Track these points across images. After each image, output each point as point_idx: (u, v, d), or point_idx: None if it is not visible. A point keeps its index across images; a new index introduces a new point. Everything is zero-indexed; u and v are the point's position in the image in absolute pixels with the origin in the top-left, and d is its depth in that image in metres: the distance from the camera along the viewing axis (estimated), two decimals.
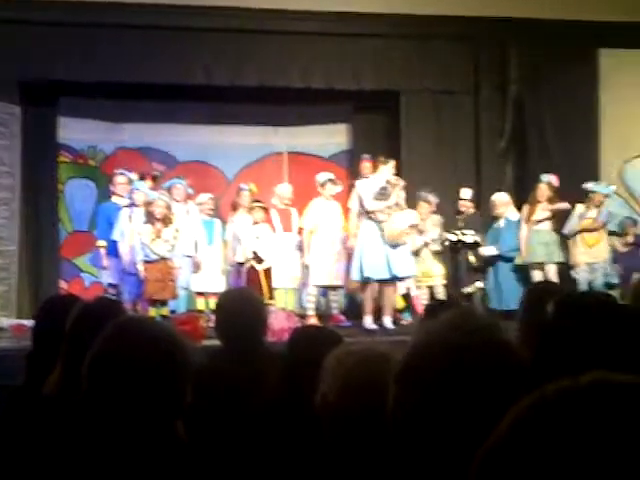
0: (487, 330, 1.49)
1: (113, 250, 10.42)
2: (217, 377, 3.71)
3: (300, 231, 10.60)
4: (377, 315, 9.92)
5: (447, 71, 12.05)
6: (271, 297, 10.21)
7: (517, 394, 0.91)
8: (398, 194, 9.91)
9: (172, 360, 2.14)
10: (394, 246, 9.68)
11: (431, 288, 10.97)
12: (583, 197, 10.78)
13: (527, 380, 1.37)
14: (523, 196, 11.17)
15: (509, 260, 10.90)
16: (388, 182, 9.82)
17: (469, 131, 12.25)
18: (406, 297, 10.88)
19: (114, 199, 10.86)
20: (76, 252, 12.44)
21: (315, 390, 2.34)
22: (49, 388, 3.01)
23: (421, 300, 10.68)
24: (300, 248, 10.67)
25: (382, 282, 9.78)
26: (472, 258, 11.06)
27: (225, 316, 4.04)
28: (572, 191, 10.73)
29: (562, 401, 0.84)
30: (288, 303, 10.70)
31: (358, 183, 10.04)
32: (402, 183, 10.07)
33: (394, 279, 9.87)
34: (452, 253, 11.19)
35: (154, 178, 11.42)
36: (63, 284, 12.18)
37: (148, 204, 10.08)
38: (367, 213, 9.75)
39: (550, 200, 10.64)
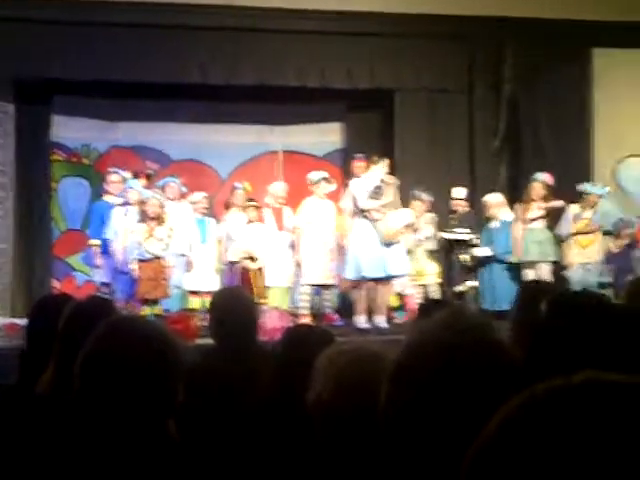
0: (479, 329, 1.49)
1: (106, 249, 10.40)
2: (210, 376, 3.71)
3: (294, 230, 10.60)
4: (370, 314, 9.92)
5: (441, 70, 12.07)
6: (264, 296, 10.20)
7: (509, 393, 0.91)
8: (392, 193, 9.92)
9: (164, 359, 2.13)
10: (388, 245, 9.69)
11: (425, 287, 10.98)
12: (577, 197, 10.79)
13: (519, 379, 1.37)
14: (517, 195, 11.18)
15: (503, 261, 10.91)
16: (382, 181, 9.82)
17: (463, 130, 12.27)
18: (400, 296, 10.89)
19: (107, 198, 10.84)
20: (69, 251, 12.42)
21: (307, 389, 2.34)
22: (42, 387, 3.00)
23: (415, 299, 10.69)
24: (293, 247, 10.67)
25: (376, 281, 9.78)
26: (466, 257, 11.07)
27: (218, 315, 4.04)
28: (566, 190, 10.73)
29: (552, 400, 0.84)
30: (281, 302, 10.69)
31: (352, 182, 10.04)
32: (397, 182, 10.08)
33: (388, 278, 9.88)
34: (446, 251, 11.21)
35: (148, 177, 11.41)
36: (56, 283, 12.16)
37: (142, 203, 10.07)
38: (361, 212, 9.75)
39: (544, 199, 10.65)
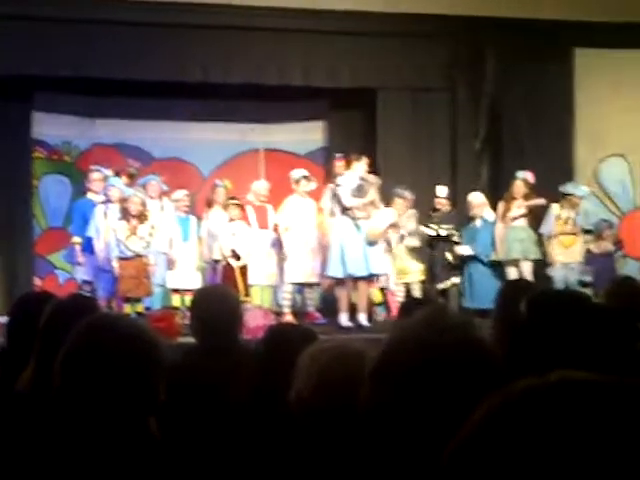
0: (460, 328, 1.50)
1: (88, 247, 10.37)
2: (191, 374, 3.71)
3: (276, 228, 10.59)
4: (352, 312, 9.93)
5: (424, 69, 12.09)
6: (247, 294, 10.20)
7: (488, 391, 0.92)
8: (374, 192, 9.94)
9: (145, 357, 2.13)
10: (371, 244, 9.72)
11: (407, 285, 11.00)
12: (558, 197, 10.84)
13: (499, 377, 1.38)
14: (498, 194, 11.21)
15: (485, 260, 10.94)
16: (365, 180, 9.85)
17: (445, 129, 12.29)
18: (383, 292, 10.93)
19: (89, 195, 10.81)
20: (50, 249, 12.37)
21: (289, 387, 2.35)
22: (22, 385, 2.99)
23: (396, 297, 10.72)
24: (276, 245, 10.67)
25: (358, 279, 9.80)
26: (448, 256, 11.10)
27: (200, 313, 4.03)
28: (547, 190, 10.78)
29: (527, 398, 0.85)
30: (264, 300, 10.69)
31: (337, 181, 10.03)
32: (378, 182, 10.11)
33: (370, 276, 9.90)
34: (428, 247, 11.23)
35: (130, 175, 11.38)
36: (37, 281, 12.10)
37: (123, 200, 10.05)
38: (344, 210, 9.76)
39: (526, 197, 10.70)
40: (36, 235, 12.43)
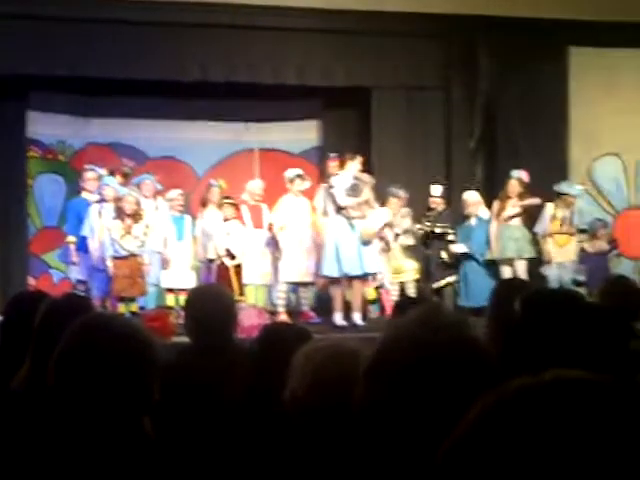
0: (455, 326, 1.50)
1: (82, 246, 10.36)
2: (186, 373, 3.70)
3: (270, 227, 10.59)
4: (347, 311, 9.94)
5: (418, 68, 12.09)
6: (241, 294, 10.20)
7: (482, 390, 0.92)
8: (368, 192, 9.95)
9: (139, 357, 2.13)
10: (365, 243, 9.73)
11: (402, 284, 11.01)
12: (553, 196, 10.85)
13: (493, 376, 1.38)
14: (493, 193, 11.22)
15: (479, 258, 10.95)
16: (359, 179, 9.85)
17: (440, 128, 12.30)
18: (378, 291, 10.94)
19: (84, 195, 10.80)
20: (45, 248, 12.36)
21: (284, 387, 2.35)
22: (17, 383, 2.99)
23: (390, 296, 10.73)
24: (270, 244, 10.66)
25: (352, 278, 9.80)
26: (443, 254, 11.10)
27: (194, 312, 4.02)
28: (542, 189, 10.79)
29: (522, 397, 0.85)
30: (258, 300, 10.69)
31: (331, 180, 10.03)
32: (372, 181, 10.13)
33: (365, 275, 9.91)
34: (423, 246, 11.23)
35: (124, 174, 11.37)
36: (32, 280, 12.08)
37: (118, 200, 10.04)
38: (339, 209, 9.77)
39: (520, 196, 10.71)
40: (31, 234, 12.41)
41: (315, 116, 13.08)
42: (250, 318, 8.83)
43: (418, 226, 11.11)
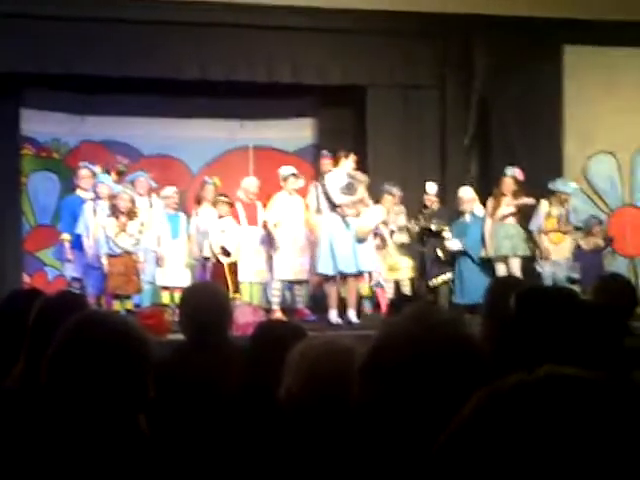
0: (449, 324, 1.50)
1: (77, 244, 10.35)
2: (181, 371, 3.71)
3: (265, 225, 10.59)
4: (342, 309, 9.94)
5: (413, 67, 12.10)
6: (236, 291, 10.19)
7: (477, 387, 0.93)
8: (363, 190, 9.95)
9: (134, 354, 2.13)
10: (360, 241, 9.73)
11: (397, 282, 11.01)
12: (547, 193, 10.86)
13: (487, 373, 1.38)
14: (488, 190, 11.23)
15: (475, 255, 10.96)
16: (354, 177, 9.86)
17: (435, 126, 12.31)
18: (372, 288, 10.95)
19: (78, 192, 10.78)
20: (39, 246, 12.35)
21: (279, 384, 2.35)
22: (11, 381, 2.99)
23: (385, 294, 10.74)
24: (265, 242, 10.66)
25: (347, 276, 9.81)
26: (439, 252, 11.10)
27: (189, 310, 4.03)
28: (537, 187, 10.81)
29: (516, 394, 0.86)
30: (253, 297, 10.69)
31: (325, 178, 10.02)
32: (367, 180, 10.13)
33: (359, 273, 9.92)
34: (419, 244, 11.23)
35: (118, 172, 11.36)
36: (26, 278, 12.08)
37: (112, 197, 10.03)
38: (334, 207, 9.77)
39: (514, 194, 10.72)
40: (25, 232, 12.39)
41: (310, 114, 13.09)
42: (245, 316, 8.83)
43: (413, 222, 11.11)
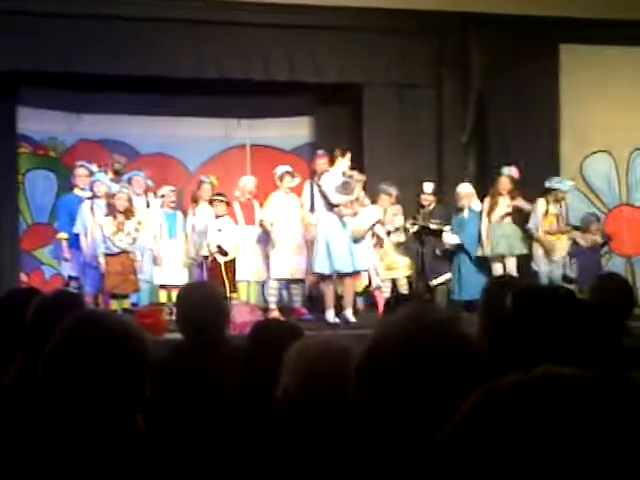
0: (445, 323, 1.50)
1: (75, 242, 10.35)
2: (178, 370, 3.71)
3: (261, 224, 10.59)
4: (339, 308, 9.94)
5: (410, 65, 12.10)
6: (233, 290, 10.19)
7: (474, 386, 0.93)
8: (359, 190, 9.96)
9: (131, 353, 2.13)
10: (356, 240, 9.73)
11: (394, 280, 11.01)
12: (544, 192, 10.87)
13: (484, 372, 1.38)
14: (485, 189, 11.24)
15: (471, 252, 10.96)
16: (350, 177, 9.85)
17: (432, 125, 12.31)
18: (367, 288, 10.95)
19: (75, 191, 10.78)
20: (36, 244, 12.33)
21: (276, 383, 2.35)
22: (9, 380, 2.99)
23: (383, 294, 10.74)
24: (262, 241, 10.66)
25: (343, 275, 9.81)
26: (438, 251, 11.10)
27: (186, 309, 4.03)
28: (533, 186, 10.82)
29: (513, 393, 0.86)
30: (250, 296, 10.69)
31: (320, 178, 10.02)
32: (363, 179, 10.13)
33: (356, 272, 9.92)
34: (418, 243, 11.23)
35: (115, 170, 11.35)
36: (23, 277, 12.06)
37: (109, 196, 10.03)
38: (331, 207, 9.76)
39: (511, 192, 10.74)
40: (22, 231, 12.38)
41: (307, 113, 13.08)
42: (242, 315, 8.83)
43: (412, 221, 11.11)
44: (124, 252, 9.82)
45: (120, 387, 2.09)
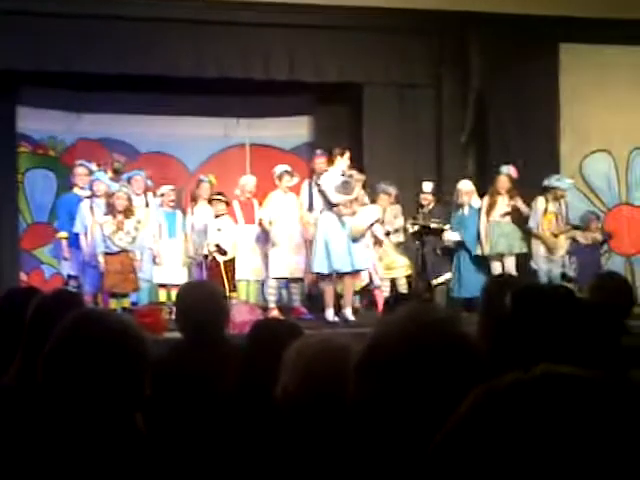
0: (445, 322, 1.51)
1: (74, 242, 10.34)
2: (177, 369, 3.71)
3: (260, 223, 10.59)
4: (338, 307, 9.94)
5: (410, 65, 12.10)
6: (233, 290, 10.18)
7: (473, 385, 0.93)
8: (359, 189, 9.95)
9: (130, 352, 2.13)
10: (355, 240, 9.73)
11: (393, 280, 11.01)
12: (543, 190, 10.86)
13: (483, 371, 1.38)
14: (484, 189, 11.23)
15: (472, 248, 10.96)
16: (350, 176, 9.84)
17: (431, 125, 12.31)
18: (367, 287, 10.95)
19: (75, 190, 10.78)
20: (36, 244, 12.33)
21: (276, 382, 2.35)
22: (9, 379, 2.99)
23: (382, 294, 10.73)
24: (261, 240, 10.67)
25: (343, 274, 9.80)
26: (438, 251, 11.10)
27: (185, 308, 4.03)
28: (534, 186, 10.82)
29: (513, 392, 0.86)
30: (250, 295, 10.69)
31: (320, 177, 10.01)
32: (363, 178, 10.13)
33: (355, 271, 9.92)
34: (419, 242, 11.22)
35: (115, 170, 11.35)
36: (23, 276, 12.06)
37: (109, 195, 10.03)
38: (331, 206, 9.76)
39: (509, 191, 10.75)
40: (22, 230, 12.37)
41: (306, 112, 13.07)
42: (242, 314, 8.83)
43: (412, 221, 11.11)
44: (124, 251, 9.82)
45: (119, 386, 2.09)
